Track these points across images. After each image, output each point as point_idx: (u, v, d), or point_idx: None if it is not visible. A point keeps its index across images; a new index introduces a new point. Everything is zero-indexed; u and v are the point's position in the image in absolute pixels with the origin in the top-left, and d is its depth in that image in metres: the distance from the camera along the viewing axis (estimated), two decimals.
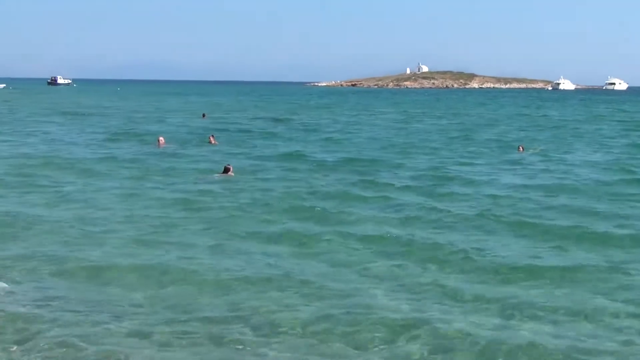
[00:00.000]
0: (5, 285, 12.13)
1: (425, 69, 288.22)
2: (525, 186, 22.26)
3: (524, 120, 61.26)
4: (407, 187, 21.78)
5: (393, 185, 22.06)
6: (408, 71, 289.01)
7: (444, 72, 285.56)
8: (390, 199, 19.48)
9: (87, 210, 17.50)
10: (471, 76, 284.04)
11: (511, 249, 14.04)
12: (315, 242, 14.38)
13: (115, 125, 48.66)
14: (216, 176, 24.32)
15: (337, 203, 18.71)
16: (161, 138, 35.02)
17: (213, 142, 35.77)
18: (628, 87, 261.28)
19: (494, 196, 19.84)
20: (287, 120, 57.82)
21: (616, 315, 10.20)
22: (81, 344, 8.81)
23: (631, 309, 10.54)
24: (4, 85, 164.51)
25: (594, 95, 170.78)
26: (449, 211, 17.42)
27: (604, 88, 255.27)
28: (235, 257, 13.31)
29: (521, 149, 33.81)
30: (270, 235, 15.27)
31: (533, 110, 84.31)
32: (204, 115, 60.33)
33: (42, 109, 71.23)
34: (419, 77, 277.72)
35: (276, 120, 57.51)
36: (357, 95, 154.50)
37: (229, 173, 24.30)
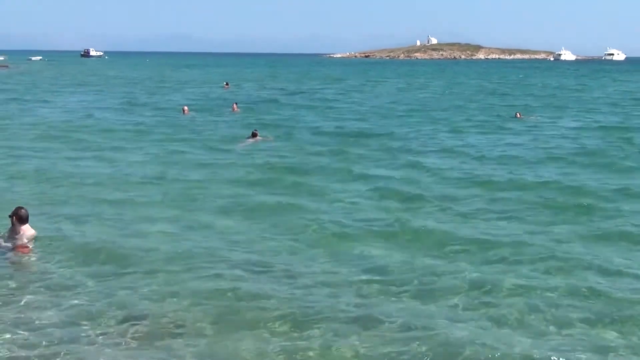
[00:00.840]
0: None
1: (434, 41, 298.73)
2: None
3: (526, 90, 63.20)
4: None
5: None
6: (418, 43, 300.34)
7: (452, 44, 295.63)
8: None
9: (120, 170, 18.31)
10: (477, 48, 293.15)
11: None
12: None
13: (142, 94, 50.31)
14: (249, 140, 25.06)
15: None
16: (185, 107, 36.40)
17: (236, 109, 37.05)
18: (626, 58, 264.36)
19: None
20: (302, 90, 59.25)
21: None
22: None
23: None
24: (40, 57, 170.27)
25: (592, 65, 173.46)
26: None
27: (603, 58, 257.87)
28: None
29: (519, 115, 35.01)
30: (296, 188, 16.20)
31: (533, 80, 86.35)
32: (226, 85, 62.17)
33: (73, 79, 73.69)
34: (428, 48, 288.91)
35: (292, 90, 59.00)
36: (368, 65, 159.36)
37: (257, 138, 25.27)
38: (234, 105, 37.89)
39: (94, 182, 16.83)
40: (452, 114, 37.26)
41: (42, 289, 9.36)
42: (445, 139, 26.80)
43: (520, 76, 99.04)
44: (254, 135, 25.62)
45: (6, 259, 10.71)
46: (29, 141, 24.57)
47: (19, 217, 11.10)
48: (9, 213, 11.07)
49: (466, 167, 19.99)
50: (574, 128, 30.84)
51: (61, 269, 10.28)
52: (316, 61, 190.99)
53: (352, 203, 14.99)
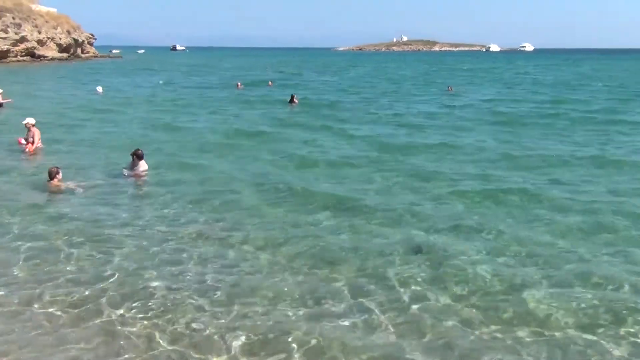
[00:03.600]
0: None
1: (405, 38, 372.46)
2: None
3: (459, 72, 76.09)
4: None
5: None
6: (394, 40, 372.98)
7: (417, 40, 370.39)
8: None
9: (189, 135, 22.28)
10: (434, 43, 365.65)
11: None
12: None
13: (212, 77, 60.83)
14: (289, 105, 29.88)
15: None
16: (239, 82, 43.96)
17: (270, 85, 44.77)
18: (534, 49, 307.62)
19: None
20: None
21: None
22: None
23: None
24: (143, 50, 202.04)
25: (509, 54, 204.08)
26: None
27: (518, 49, 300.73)
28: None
29: (450, 89, 41.13)
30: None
31: (465, 65, 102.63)
32: (267, 69, 75.04)
33: (163, 66, 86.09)
34: (401, 44, 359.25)
35: (317, 72, 73.32)
36: (357, 56, 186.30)
37: (294, 101, 30.23)
38: (270, 82, 46.75)
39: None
40: (399, 87, 44.83)
41: (149, 202, 11.56)
42: (387, 107, 30.53)
43: (461, 64, 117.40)
44: (292, 99, 30.73)
45: (128, 183, 13.17)
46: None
47: (138, 155, 13.43)
48: (131, 152, 13.71)
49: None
50: (487, 96, 37.18)
51: (160, 191, 12.55)
52: (324, 54, 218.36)
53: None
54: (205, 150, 17.35)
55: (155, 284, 7.54)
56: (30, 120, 16.70)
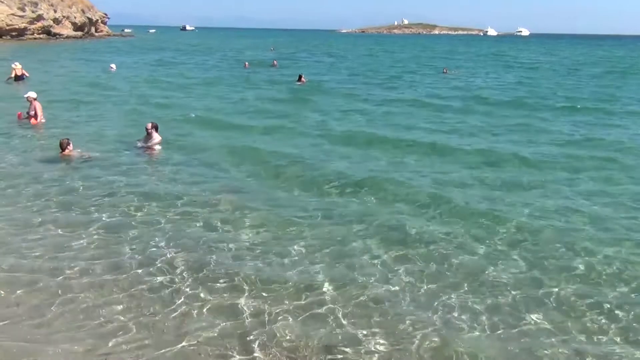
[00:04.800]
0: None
1: (406, 21, 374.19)
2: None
3: (455, 55, 75.73)
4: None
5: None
6: (396, 23, 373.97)
7: (417, 24, 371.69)
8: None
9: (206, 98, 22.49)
10: (434, 26, 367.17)
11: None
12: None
13: (215, 56, 61.44)
14: (297, 84, 30.26)
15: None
16: (246, 62, 44.59)
17: (275, 64, 44.83)
18: (530, 34, 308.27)
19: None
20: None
21: None
22: None
23: None
24: (155, 30, 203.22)
25: (505, 39, 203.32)
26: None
27: (514, 34, 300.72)
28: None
29: (445, 71, 41.14)
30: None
31: (461, 49, 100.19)
32: (272, 49, 75.39)
33: (175, 44, 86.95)
34: (402, 27, 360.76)
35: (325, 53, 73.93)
36: (360, 38, 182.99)
37: (302, 80, 30.59)
38: (274, 62, 47.01)
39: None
40: (397, 70, 44.40)
41: (163, 171, 11.88)
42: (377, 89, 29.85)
43: (459, 47, 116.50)
44: (300, 78, 31.18)
45: (142, 154, 13.48)
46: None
47: (152, 128, 13.88)
48: (145, 125, 13.98)
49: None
50: (480, 79, 37.53)
51: (176, 156, 12.79)
52: (330, 36, 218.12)
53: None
54: (219, 126, 17.81)
55: (171, 251, 7.92)
56: (32, 94, 16.78)
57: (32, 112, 16.46)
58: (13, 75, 27.53)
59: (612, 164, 12.85)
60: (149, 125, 13.91)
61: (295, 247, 7.82)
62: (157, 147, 13.74)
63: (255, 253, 7.66)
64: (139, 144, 13.83)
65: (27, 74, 28.08)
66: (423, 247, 7.91)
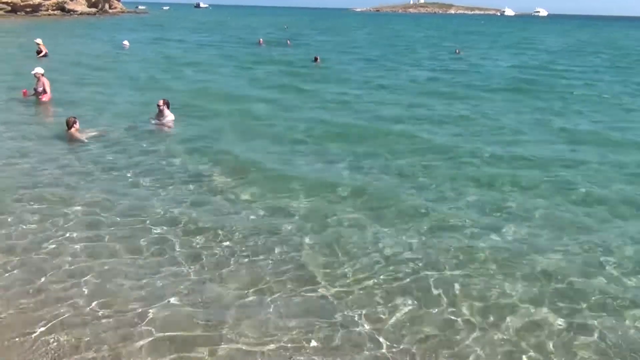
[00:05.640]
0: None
1: (421, 0, 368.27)
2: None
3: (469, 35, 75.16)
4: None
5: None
6: (411, 2, 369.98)
7: (433, 3, 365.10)
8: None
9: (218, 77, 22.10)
10: (450, 6, 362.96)
11: None
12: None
13: (229, 33, 61.03)
14: (313, 64, 29.61)
15: None
16: (261, 39, 44.20)
17: (289, 44, 44.02)
18: (548, 14, 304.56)
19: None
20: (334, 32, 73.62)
21: None
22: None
23: None
24: (168, 7, 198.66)
25: (522, 19, 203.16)
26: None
27: (532, 14, 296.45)
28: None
29: (458, 51, 40.45)
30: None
31: (475, 28, 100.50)
32: (286, 27, 75.43)
33: (189, 21, 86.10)
34: (418, 5, 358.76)
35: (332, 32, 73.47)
36: (373, 17, 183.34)
37: (317, 61, 29.84)
38: (288, 41, 46.06)
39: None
40: (407, 51, 43.10)
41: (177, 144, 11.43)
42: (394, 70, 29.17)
43: (476, 27, 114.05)
44: (315, 59, 30.56)
45: (156, 130, 13.12)
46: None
47: (164, 105, 13.48)
48: (157, 102, 13.55)
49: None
50: (493, 59, 37.14)
51: (189, 133, 12.50)
52: (343, 14, 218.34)
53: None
54: (235, 101, 17.49)
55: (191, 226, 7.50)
56: (39, 70, 16.27)
57: (40, 89, 15.95)
58: (41, 51, 27.79)
59: None
60: (161, 102, 13.38)
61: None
62: (170, 123, 13.32)
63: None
64: (152, 121, 13.40)
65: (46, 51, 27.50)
66: None
